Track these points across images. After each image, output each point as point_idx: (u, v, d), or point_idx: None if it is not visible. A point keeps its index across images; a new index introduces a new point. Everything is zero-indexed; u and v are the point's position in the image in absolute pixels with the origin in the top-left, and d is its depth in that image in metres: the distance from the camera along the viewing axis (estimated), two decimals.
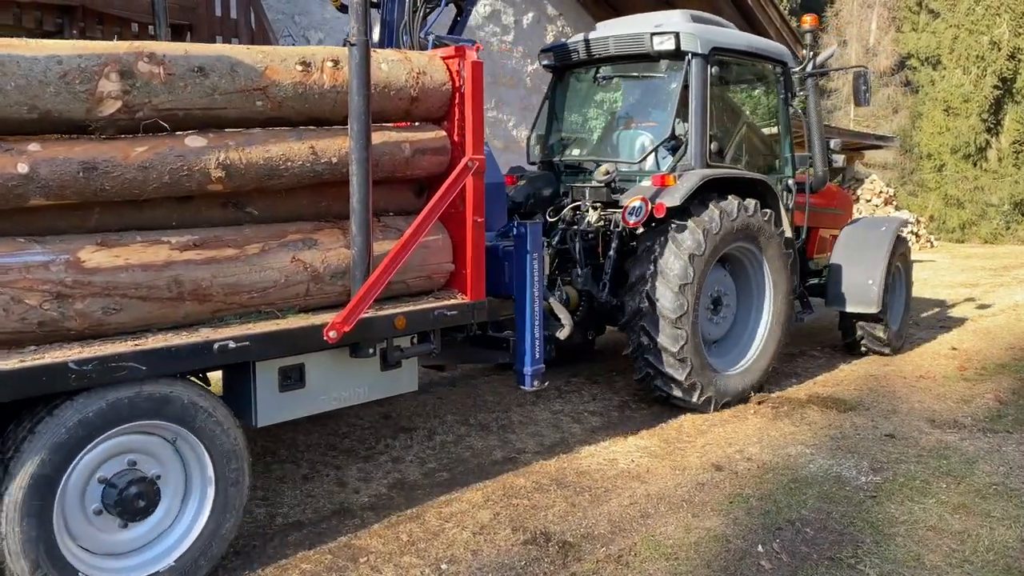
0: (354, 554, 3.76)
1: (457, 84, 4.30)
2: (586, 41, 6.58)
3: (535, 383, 4.74)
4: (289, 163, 3.69)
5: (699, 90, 5.99)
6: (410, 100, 4.15)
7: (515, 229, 4.67)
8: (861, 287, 7.25)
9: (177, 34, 8.45)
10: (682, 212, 5.68)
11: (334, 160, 3.85)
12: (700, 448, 5.26)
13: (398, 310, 4.04)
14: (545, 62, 7.06)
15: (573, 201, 6.30)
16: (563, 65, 6.92)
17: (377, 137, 3.92)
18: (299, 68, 3.68)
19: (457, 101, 4.32)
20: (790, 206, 7.01)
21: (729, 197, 5.85)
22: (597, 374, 7.13)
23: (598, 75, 6.91)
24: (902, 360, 7.70)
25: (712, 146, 6.08)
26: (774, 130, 7.14)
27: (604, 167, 6.14)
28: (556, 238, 6.21)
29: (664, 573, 3.65)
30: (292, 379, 3.77)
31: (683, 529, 4.07)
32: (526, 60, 11.38)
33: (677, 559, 3.77)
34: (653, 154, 6.23)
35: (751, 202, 5.98)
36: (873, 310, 7.25)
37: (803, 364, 7.60)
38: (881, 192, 20.92)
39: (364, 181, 3.70)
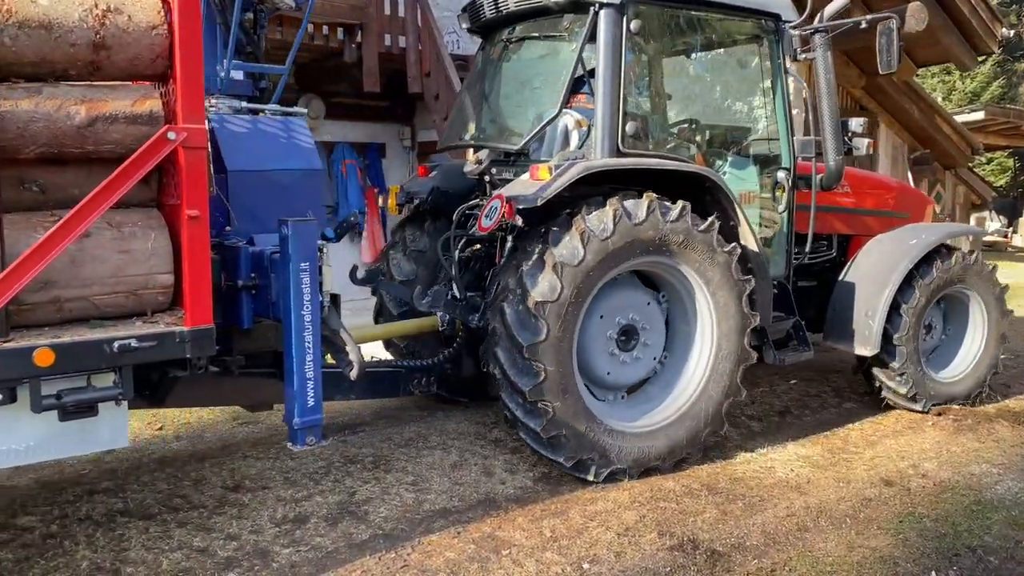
0: (497, 546, 3.77)
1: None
2: None
3: (309, 439, 3.63)
4: None
5: (609, 52, 4.54)
6: (92, 48, 3.10)
7: (280, 230, 3.57)
8: (858, 320, 5.53)
9: (349, 33, 8.84)
10: (558, 213, 4.36)
11: None
12: (868, 460, 4.88)
13: (42, 341, 2.97)
14: (464, 25, 5.70)
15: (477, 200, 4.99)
16: (479, 28, 5.55)
17: (22, 100, 3.00)
18: None
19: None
20: (782, 208, 5.43)
21: (608, 202, 4.32)
22: (759, 376, 6.79)
23: (508, 37, 5.51)
24: None
25: (629, 127, 4.60)
26: (763, 106, 5.53)
27: (475, 155, 4.85)
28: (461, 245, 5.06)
29: None
30: None
31: (845, 547, 3.78)
32: None
33: None
34: (577, 138, 4.94)
35: (643, 203, 4.36)
36: (866, 352, 5.50)
37: None
38: None
39: None
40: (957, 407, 5.85)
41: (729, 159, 5.58)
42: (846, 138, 5.49)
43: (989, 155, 22.88)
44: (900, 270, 5.46)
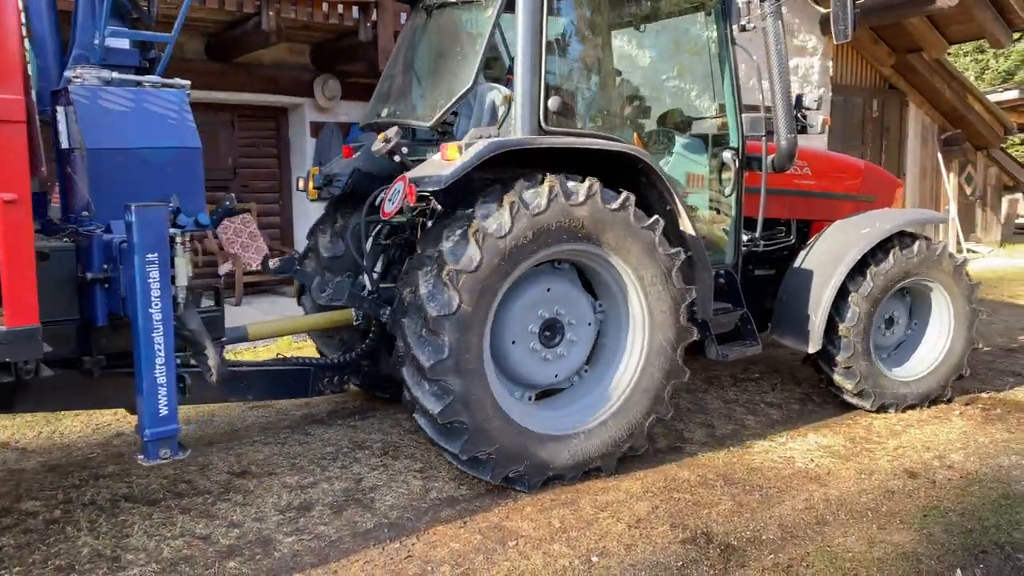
0: (504, 536, 3.67)
1: None
2: None
3: (163, 453, 3.23)
4: None
5: (528, 20, 4.09)
6: None
7: (124, 216, 3.19)
8: (802, 314, 5.13)
9: (364, 12, 8.70)
10: (481, 194, 3.99)
11: None
12: (892, 451, 4.72)
13: None
14: None
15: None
16: None
17: None
18: None
19: None
20: (730, 191, 5.04)
21: (546, 179, 3.97)
22: (779, 362, 6.63)
23: (430, 4, 5.02)
24: None
25: (552, 103, 4.15)
26: (709, 81, 5.10)
27: (384, 133, 4.38)
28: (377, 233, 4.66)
29: None
30: None
31: (865, 542, 3.63)
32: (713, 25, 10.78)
33: (856, 575, 3.37)
34: (498, 113, 4.46)
35: (584, 185, 4.01)
36: (809, 350, 5.14)
37: (1022, 359, 6.68)
38: None
39: None
40: (985, 395, 5.66)
41: (675, 139, 5.17)
42: (799, 115, 5.04)
43: (1022, 135, 22.31)
44: (847, 261, 5.05)
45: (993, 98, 15.32)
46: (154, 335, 3.18)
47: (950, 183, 14.71)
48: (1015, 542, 3.62)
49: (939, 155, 14.65)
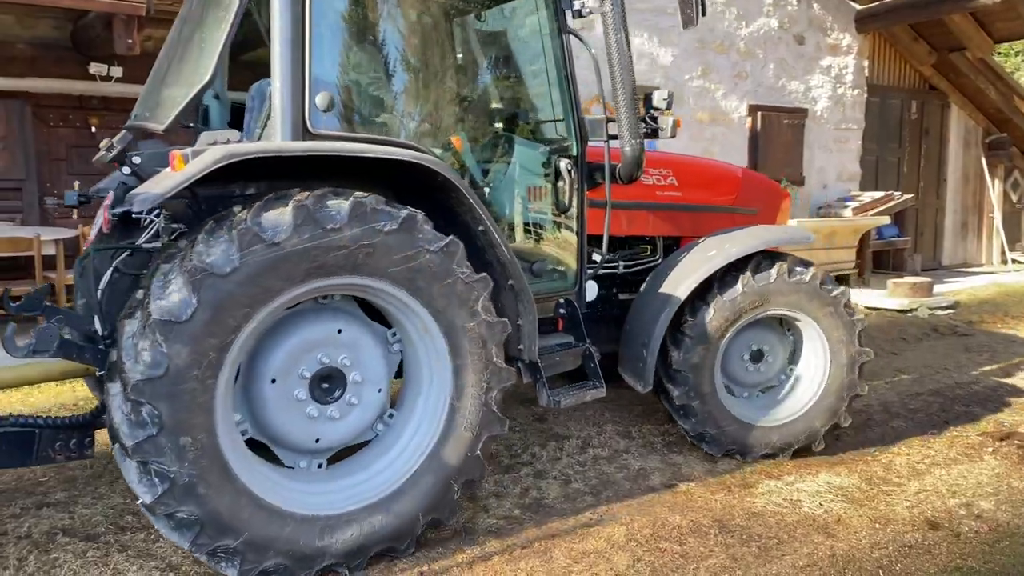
0: None
1: None
2: None
3: None
4: None
5: (286, 6, 3.34)
6: None
7: None
8: (635, 351, 4.47)
9: None
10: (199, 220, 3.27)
11: None
12: (912, 495, 4.23)
13: None
14: None
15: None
16: None
17: None
18: None
19: None
20: (567, 206, 4.30)
21: (279, 198, 3.16)
22: None
23: None
24: None
25: (320, 100, 3.38)
26: (541, 77, 4.43)
27: (108, 139, 3.66)
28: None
29: None
30: None
31: None
32: (740, 22, 10.27)
33: None
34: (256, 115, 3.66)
35: (342, 202, 3.17)
36: (639, 389, 4.45)
37: None
38: None
39: None
40: (1023, 431, 5.13)
41: (515, 146, 4.42)
42: (647, 117, 4.29)
43: None
44: (681, 292, 4.37)
45: None
46: None
47: (995, 190, 13.98)
48: None
49: (983, 160, 13.93)
